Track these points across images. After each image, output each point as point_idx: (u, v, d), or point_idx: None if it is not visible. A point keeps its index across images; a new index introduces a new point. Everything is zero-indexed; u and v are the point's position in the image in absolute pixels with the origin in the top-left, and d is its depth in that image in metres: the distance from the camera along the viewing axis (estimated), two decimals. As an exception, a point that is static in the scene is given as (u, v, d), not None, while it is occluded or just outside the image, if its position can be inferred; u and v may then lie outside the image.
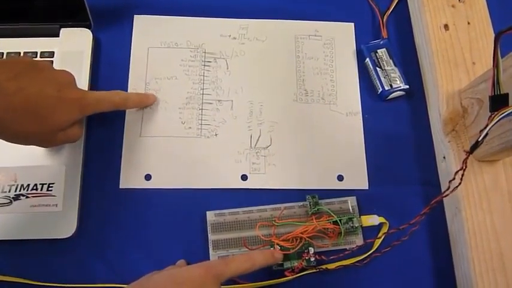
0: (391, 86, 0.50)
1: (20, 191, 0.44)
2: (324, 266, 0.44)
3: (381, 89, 0.50)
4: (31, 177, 0.44)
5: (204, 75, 0.51)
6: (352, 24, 0.54)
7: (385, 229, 0.45)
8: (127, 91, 0.49)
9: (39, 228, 0.43)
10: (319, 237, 0.44)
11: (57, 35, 0.49)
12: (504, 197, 0.44)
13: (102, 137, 0.48)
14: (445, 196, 0.40)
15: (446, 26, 0.50)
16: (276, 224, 0.44)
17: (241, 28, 0.53)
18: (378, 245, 0.45)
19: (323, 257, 0.43)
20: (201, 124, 0.49)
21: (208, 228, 0.44)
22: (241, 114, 0.50)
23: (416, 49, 0.53)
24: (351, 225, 0.44)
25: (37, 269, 0.43)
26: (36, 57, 0.48)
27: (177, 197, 0.46)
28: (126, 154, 0.47)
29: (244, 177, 0.47)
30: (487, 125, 0.37)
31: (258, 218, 0.45)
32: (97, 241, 0.44)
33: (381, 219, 0.45)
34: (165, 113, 0.49)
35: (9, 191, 0.44)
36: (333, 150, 0.49)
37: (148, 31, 0.52)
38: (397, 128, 0.51)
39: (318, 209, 0.45)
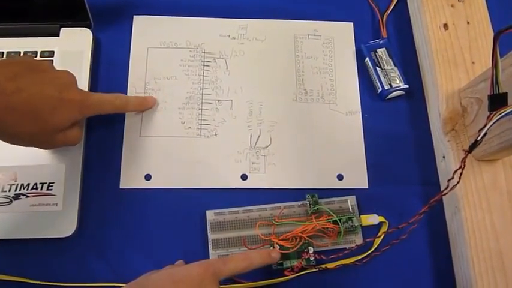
0: (390, 85, 0.50)
1: (20, 190, 0.44)
2: (323, 266, 0.44)
3: (380, 89, 0.50)
4: (31, 176, 0.44)
5: (203, 75, 0.51)
6: (352, 23, 0.54)
7: (384, 228, 0.45)
8: (127, 91, 0.49)
9: (39, 228, 0.43)
10: (319, 236, 0.44)
11: (57, 35, 0.49)
12: (503, 196, 0.44)
13: (102, 136, 0.48)
14: (444, 195, 0.40)
15: (445, 26, 0.50)
16: (275, 223, 0.44)
17: (240, 28, 0.53)
18: (377, 244, 0.45)
19: (322, 256, 0.43)
20: (201, 124, 0.49)
21: (208, 227, 0.44)
22: (241, 114, 0.50)
23: (416, 49, 0.53)
24: (351, 224, 0.44)
25: (37, 268, 0.43)
26: (36, 56, 0.48)
27: (177, 197, 0.46)
28: (126, 154, 0.47)
29: (244, 177, 0.47)
30: (486, 125, 0.36)
31: (258, 217, 0.45)
32: (97, 240, 0.44)
33: (381, 219, 0.45)
34: (165, 113, 0.49)
35: (9, 190, 0.44)
36: (332, 150, 0.49)
37: (147, 31, 0.52)
38: (397, 127, 0.51)
39: (317, 209, 0.45)
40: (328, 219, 0.44)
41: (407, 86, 0.50)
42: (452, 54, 0.49)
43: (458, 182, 0.40)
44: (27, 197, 0.44)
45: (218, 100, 0.50)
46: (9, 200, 0.44)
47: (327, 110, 0.51)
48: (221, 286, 0.37)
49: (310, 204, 0.45)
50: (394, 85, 0.50)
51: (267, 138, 0.49)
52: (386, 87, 0.50)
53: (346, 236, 0.45)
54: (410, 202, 0.47)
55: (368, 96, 0.51)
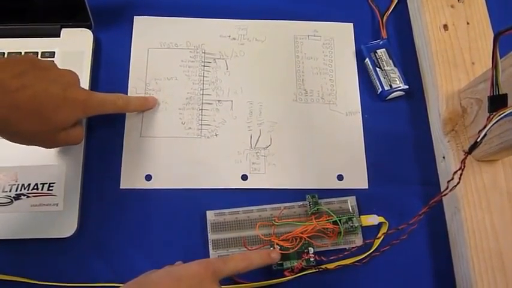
0: (390, 86, 0.50)
1: (20, 190, 0.44)
2: (323, 266, 0.44)
3: (380, 89, 0.50)
4: (32, 176, 0.44)
5: (203, 76, 0.51)
6: (352, 24, 0.54)
7: (384, 229, 0.45)
8: (127, 91, 0.49)
9: (39, 228, 0.43)
10: (319, 237, 0.44)
11: (58, 35, 0.49)
12: (503, 196, 0.44)
13: (102, 137, 0.48)
14: (444, 196, 0.40)
15: (445, 26, 0.51)
16: (275, 223, 0.44)
17: (240, 29, 0.53)
18: (377, 244, 0.45)
19: (322, 257, 0.43)
20: (201, 124, 0.49)
21: (208, 227, 0.45)
22: (241, 115, 0.50)
23: (416, 49, 0.53)
24: (351, 224, 0.44)
25: (37, 268, 0.43)
26: (36, 57, 0.48)
27: (177, 197, 0.46)
28: (126, 154, 0.47)
29: (244, 177, 0.47)
30: (485, 126, 0.36)
31: (258, 218, 0.45)
32: (97, 241, 0.44)
33: (381, 219, 0.45)
34: (165, 113, 0.49)
35: (10, 191, 0.44)
36: (332, 150, 0.49)
37: (148, 32, 0.52)
38: (397, 128, 0.51)
39: (317, 209, 0.45)
40: (328, 220, 0.44)
41: (407, 87, 0.50)
42: (452, 55, 0.49)
43: (458, 183, 0.40)
44: (28, 197, 0.44)
45: (218, 100, 0.50)
46: (10, 200, 0.44)
47: (327, 110, 0.51)
48: (222, 287, 0.37)
49: (310, 205, 0.45)
50: (394, 86, 0.50)
51: (267, 139, 0.49)
52: (386, 88, 0.50)
53: (346, 236, 0.45)
54: (410, 202, 0.47)
55: (368, 97, 0.51)
